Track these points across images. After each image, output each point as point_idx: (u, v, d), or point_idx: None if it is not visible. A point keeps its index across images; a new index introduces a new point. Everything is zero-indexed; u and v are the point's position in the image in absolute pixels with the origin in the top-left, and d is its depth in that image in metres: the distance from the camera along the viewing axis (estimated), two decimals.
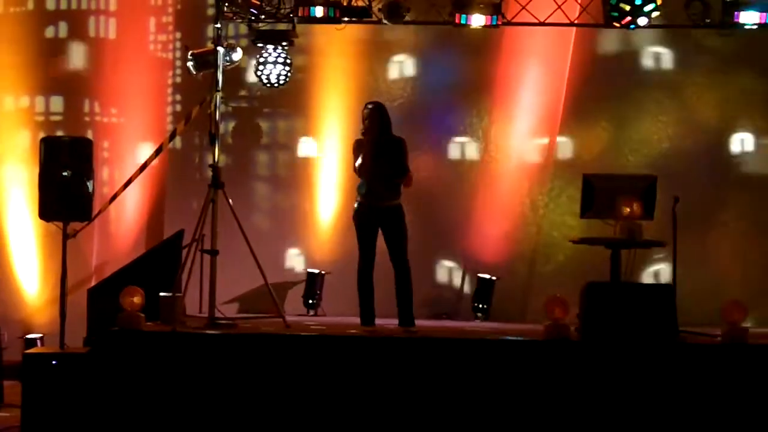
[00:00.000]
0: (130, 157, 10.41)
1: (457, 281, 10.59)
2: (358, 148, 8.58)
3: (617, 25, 9.41)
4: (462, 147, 10.75)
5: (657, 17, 9.40)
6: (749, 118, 10.54)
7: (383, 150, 8.50)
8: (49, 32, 10.62)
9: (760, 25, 9.30)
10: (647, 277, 10.35)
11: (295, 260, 10.61)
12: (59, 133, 10.25)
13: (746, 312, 7.86)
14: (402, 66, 10.72)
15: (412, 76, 10.70)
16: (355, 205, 8.60)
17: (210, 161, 8.54)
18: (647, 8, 9.25)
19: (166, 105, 10.69)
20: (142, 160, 9.38)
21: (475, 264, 10.43)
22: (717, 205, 10.43)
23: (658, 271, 10.36)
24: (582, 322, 7.94)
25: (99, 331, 8.05)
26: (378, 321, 8.63)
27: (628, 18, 9.30)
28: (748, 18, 9.25)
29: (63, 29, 10.65)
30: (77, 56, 10.58)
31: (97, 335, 8.03)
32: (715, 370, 7.63)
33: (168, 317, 8.18)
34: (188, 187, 10.34)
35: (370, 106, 8.64)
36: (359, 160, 8.50)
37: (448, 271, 10.60)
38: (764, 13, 9.22)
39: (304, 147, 10.77)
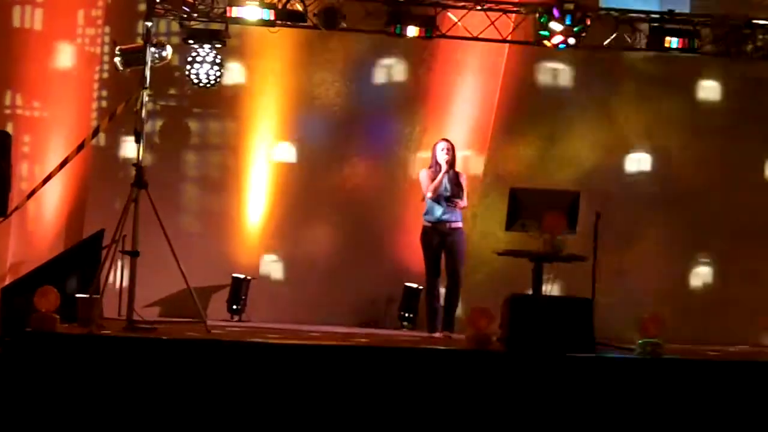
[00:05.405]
0: (52, 152, 10.18)
1: (384, 290, 10.52)
2: (431, 176, 9.12)
3: (547, 44, 9.53)
4: (394, 155, 10.72)
5: (586, 39, 9.50)
6: (668, 139, 10.75)
7: (454, 181, 9.15)
8: None
9: (682, 49, 9.59)
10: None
11: (222, 265, 10.44)
12: None
13: (663, 325, 7.95)
14: (338, 72, 10.65)
15: (347, 83, 10.65)
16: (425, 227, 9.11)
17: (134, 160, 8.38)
18: (576, 29, 9.37)
19: (92, 101, 10.49)
20: (63, 157, 9.16)
21: (403, 273, 10.39)
22: (636, 221, 10.60)
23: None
24: (504, 333, 8.00)
25: (12, 331, 7.83)
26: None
27: (558, 38, 9.39)
28: (673, 43, 9.57)
29: None
30: None
31: (10, 336, 7.82)
32: (630, 382, 7.71)
33: (85, 319, 7.99)
34: (111, 186, 10.12)
35: (449, 142, 9.17)
36: (432, 188, 9.05)
37: (376, 279, 10.53)
38: (685, 39, 9.55)
39: (234, 149, 10.63)
